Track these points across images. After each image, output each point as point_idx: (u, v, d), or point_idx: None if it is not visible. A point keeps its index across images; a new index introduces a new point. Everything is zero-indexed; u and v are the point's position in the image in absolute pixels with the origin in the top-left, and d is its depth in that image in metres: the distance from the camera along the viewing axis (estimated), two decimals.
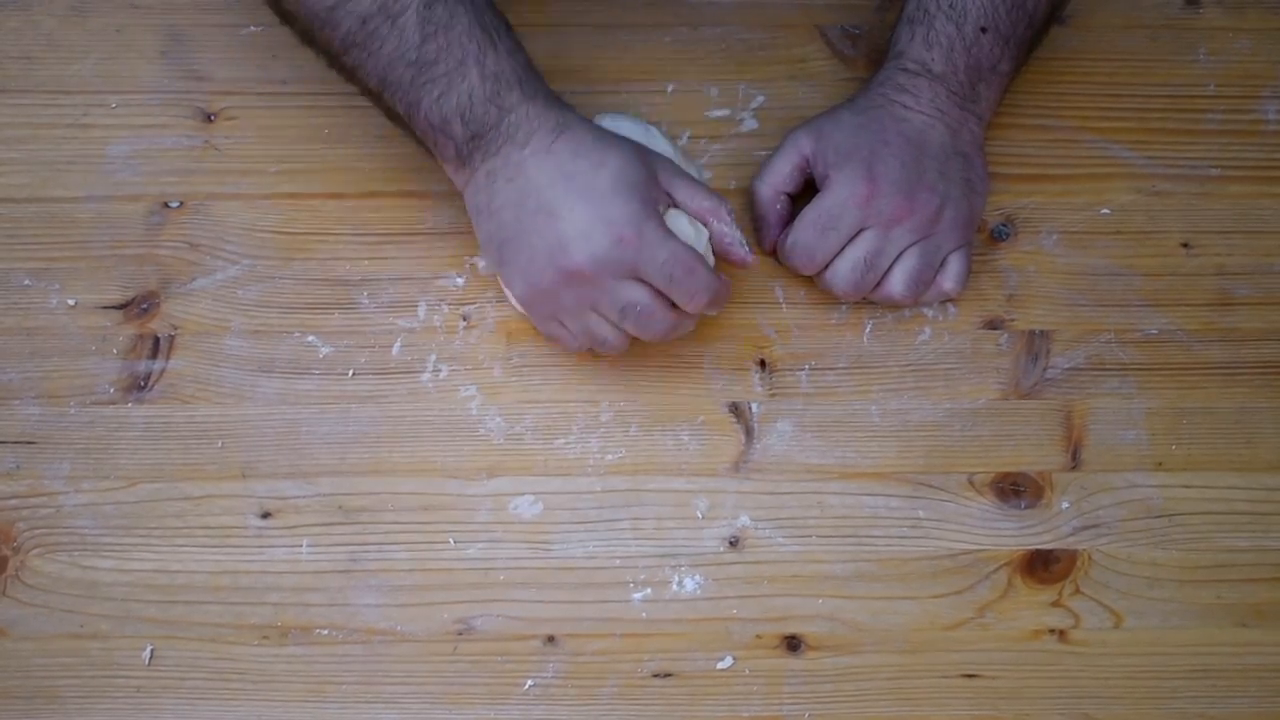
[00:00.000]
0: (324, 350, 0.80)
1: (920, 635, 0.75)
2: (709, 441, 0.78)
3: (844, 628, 0.75)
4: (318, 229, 0.83)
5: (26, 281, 0.81)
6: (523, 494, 0.77)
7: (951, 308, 0.82)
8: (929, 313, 0.82)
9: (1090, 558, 0.76)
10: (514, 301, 0.78)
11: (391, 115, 0.76)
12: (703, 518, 0.77)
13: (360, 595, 0.75)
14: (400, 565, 0.75)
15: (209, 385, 0.79)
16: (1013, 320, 0.82)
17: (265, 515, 0.76)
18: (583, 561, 0.76)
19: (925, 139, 0.79)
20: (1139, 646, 0.75)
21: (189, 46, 0.88)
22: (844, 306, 0.82)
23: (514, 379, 0.80)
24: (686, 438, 0.78)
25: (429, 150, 0.76)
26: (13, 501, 0.76)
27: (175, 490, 0.77)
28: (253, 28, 0.88)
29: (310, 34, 0.74)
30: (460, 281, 0.82)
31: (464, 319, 0.81)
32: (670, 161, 0.77)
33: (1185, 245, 0.84)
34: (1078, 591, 0.76)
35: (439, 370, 0.80)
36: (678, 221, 0.75)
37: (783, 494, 0.77)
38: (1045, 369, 0.81)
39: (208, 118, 0.86)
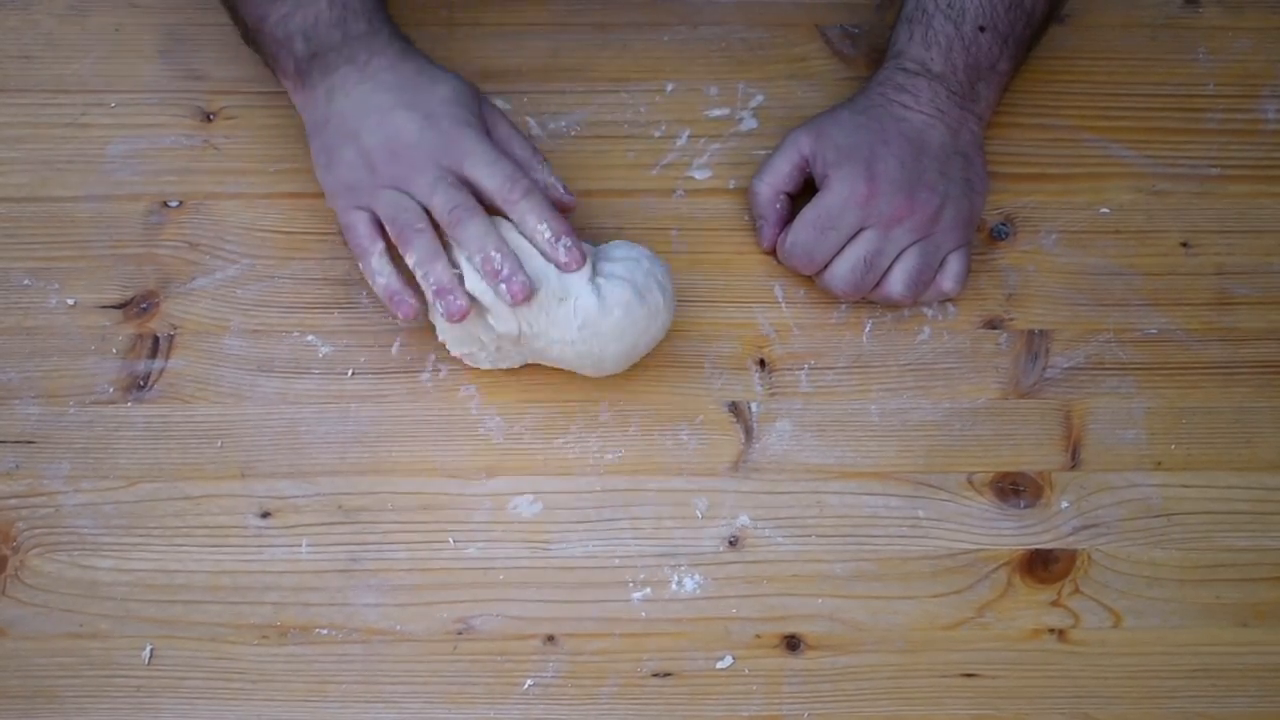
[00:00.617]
0: (323, 350, 0.80)
1: (920, 635, 0.75)
2: (708, 441, 0.78)
3: (843, 627, 0.75)
4: (317, 229, 0.83)
5: (26, 281, 0.81)
6: (522, 493, 0.77)
7: (951, 307, 0.82)
8: (929, 312, 0.82)
9: (1090, 557, 0.76)
10: (441, 334, 0.77)
11: (243, 31, 0.80)
12: (702, 517, 0.77)
13: (360, 595, 0.75)
14: (400, 565, 0.75)
15: (208, 385, 0.79)
16: (1012, 320, 0.82)
17: (265, 515, 0.76)
18: (582, 561, 0.76)
19: (925, 138, 0.79)
20: (1138, 646, 0.75)
21: (188, 46, 0.88)
22: (843, 306, 0.82)
23: (513, 379, 0.79)
24: (686, 437, 0.78)
25: (267, 64, 0.80)
26: (12, 501, 0.76)
27: (175, 490, 0.77)
28: None
29: None
30: None
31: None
32: (498, 108, 0.80)
33: (1185, 245, 0.84)
34: (1077, 591, 0.76)
35: (438, 370, 0.80)
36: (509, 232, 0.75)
37: (782, 493, 0.77)
38: (1045, 368, 0.81)
39: (207, 117, 0.86)
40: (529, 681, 0.74)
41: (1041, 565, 0.76)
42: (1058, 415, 0.80)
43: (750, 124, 0.87)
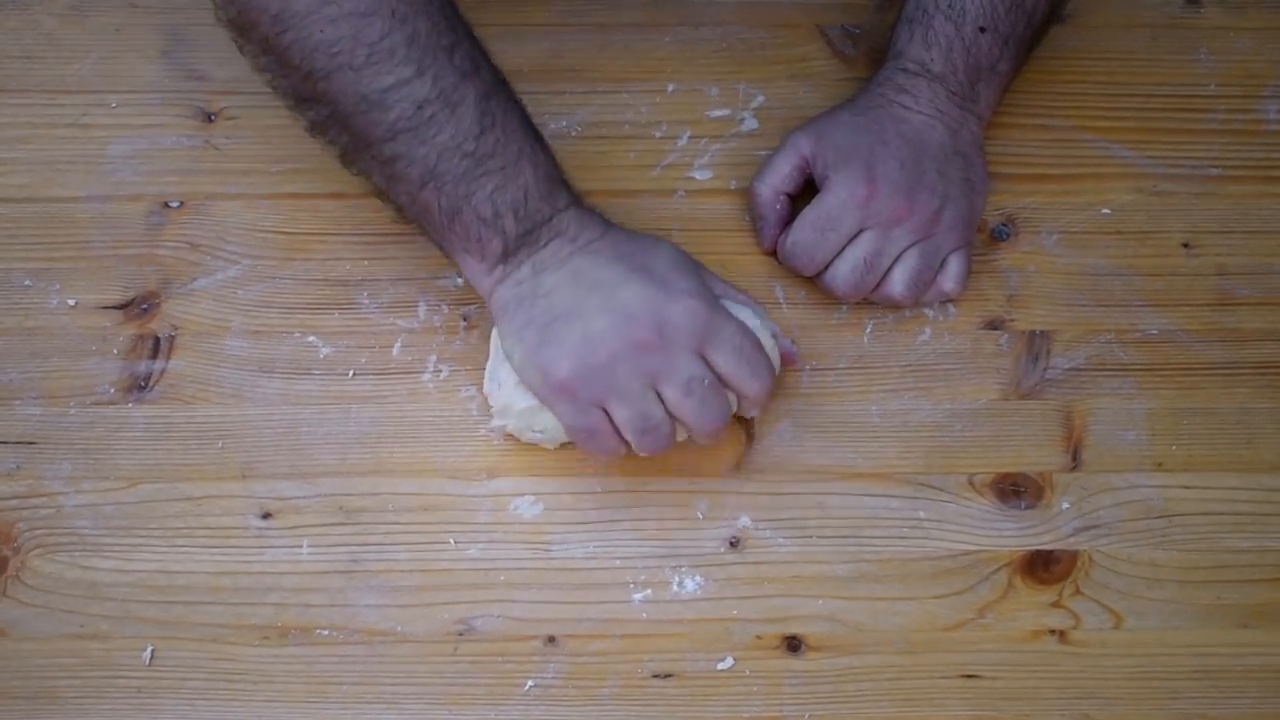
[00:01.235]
0: (324, 350, 0.80)
1: (920, 636, 0.75)
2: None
3: (844, 628, 0.75)
4: (318, 229, 0.83)
5: (27, 281, 0.81)
6: (523, 494, 0.77)
7: (952, 308, 0.82)
8: (929, 313, 0.82)
9: (1090, 558, 0.76)
10: (501, 416, 0.75)
11: (416, 209, 0.72)
12: (703, 518, 0.77)
13: (361, 596, 0.75)
14: (401, 566, 0.75)
15: (209, 385, 0.79)
16: (1013, 320, 0.82)
17: (265, 516, 0.76)
18: (583, 562, 0.76)
19: (925, 139, 0.79)
20: (1139, 647, 0.75)
21: (189, 46, 0.88)
22: (844, 307, 0.82)
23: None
24: (686, 438, 0.78)
25: (459, 246, 0.72)
26: (13, 502, 0.76)
27: (175, 491, 0.77)
28: None
29: (345, 119, 0.69)
30: (460, 281, 0.81)
31: (464, 319, 0.81)
32: (713, 275, 0.76)
33: (1186, 245, 0.84)
34: (1078, 592, 0.76)
35: (439, 370, 0.80)
36: (741, 310, 0.74)
37: (783, 494, 0.77)
38: (1045, 369, 0.81)
39: (208, 117, 0.86)
40: (530, 682, 0.74)
41: (1042, 566, 0.76)
42: (1058, 416, 0.80)
43: (751, 124, 0.87)
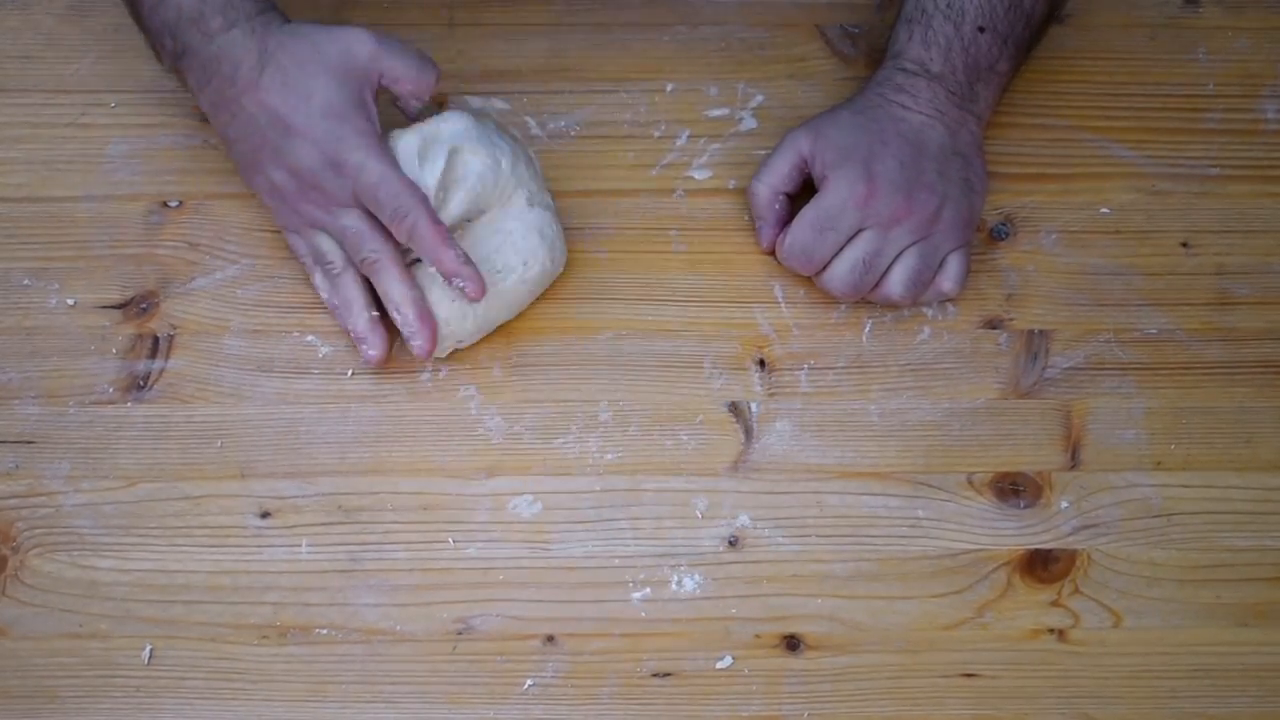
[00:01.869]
0: (323, 350, 0.80)
1: (920, 635, 0.75)
2: (708, 441, 0.78)
3: (843, 627, 0.75)
4: None
5: (26, 281, 0.81)
6: (522, 494, 0.77)
7: (951, 307, 0.82)
8: (928, 312, 0.82)
9: (1089, 557, 0.76)
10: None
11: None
12: (702, 517, 0.77)
13: (360, 595, 0.75)
14: (400, 565, 0.75)
15: (208, 385, 0.79)
16: (1012, 320, 0.82)
17: (264, 515, 0.76)
18: (582, 561, 0.76)
19: (923, 139, 0.79)
20: (1138, 646, 0.75)
21: None
22: (843, 306, 0.82)
23: (513, 379, 0.80)
24: (685, 437, 0.78)
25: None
26: (12, 501, 0.76)
27: (174, 490, 0.77)
28: None
29: None
30: None
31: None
32: (370, 38, 0.76)
33: (1185, 245, 0.84)
34: (1077, 591, 0.76)
35: (438, 370, 0.80)
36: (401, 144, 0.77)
37: (782, 493, 0.77)
38: (1044, 368, 0.81)
39: (207, 117, 0.86)
40: (529, 681, 0.74)
41: (1041, 565, 0.76)
42: (1057, 415, 0.80)
43: (750, 124, 0.87)
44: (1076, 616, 0.75)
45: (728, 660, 0.74)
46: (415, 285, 0.76)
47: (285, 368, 0.79)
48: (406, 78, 0.77)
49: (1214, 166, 0.86)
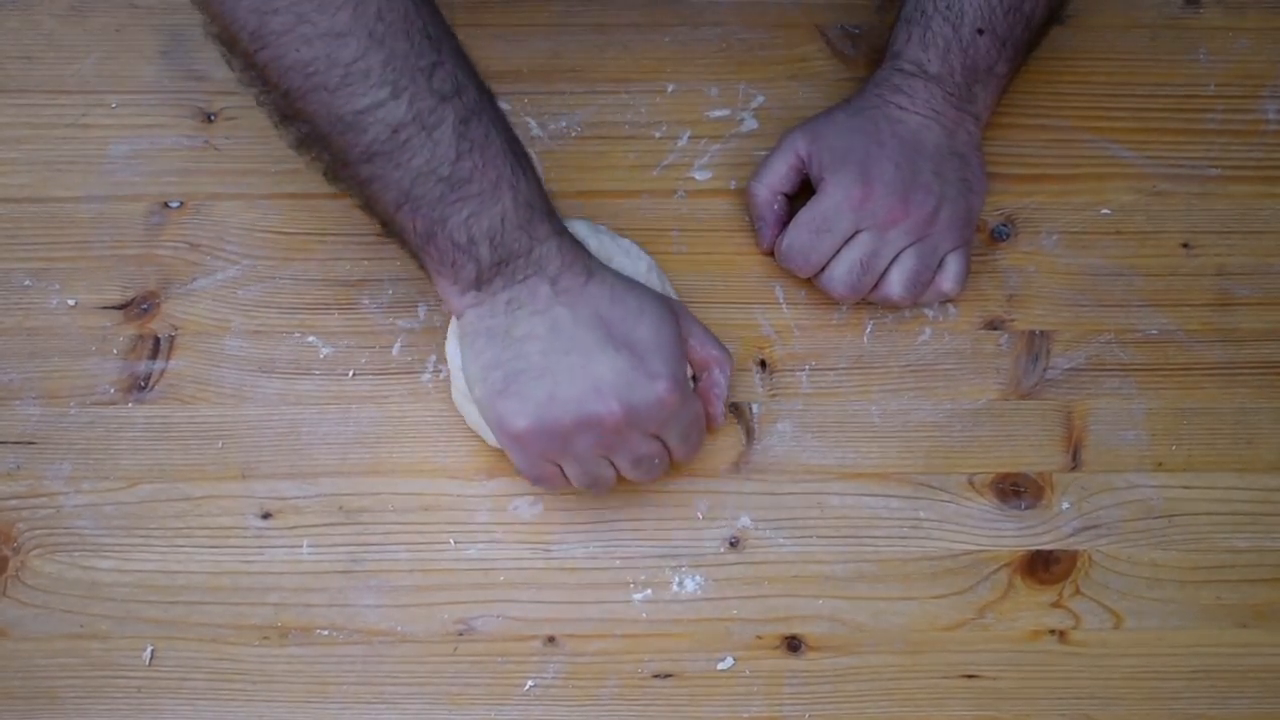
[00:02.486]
0: (324, 350, 0.80)
1: (920, 636, 0.75)
2: (709, 441, 0.78)
3: (844, 628, 0.75)
4: (318, 229, 0.83)
5: (26, 281, 0.81)
6: (523, 494, 0.77)
7: (951, 308, 0.82)
8: (929, 313, 0.82)
9: (1090, 558, 0.77)
10: (475, 423, 0.76)
11: (393, 228, 0.71)
12: (703, 518, 0.77)
13: (360, 596, 0.75)
14: (400, 566, 0.75)
15: (209, 385, 0.79)
16: (1013, 320, 0.82)
17: (265, 516, 0.76)
18: (583, 562, 0.76)
19: (920, 140, 0.79)
20: (1139, 647, 0.75)
21: (189, 46, 0.88)
22: (844, 307, 0.82)
23: None
24: None
25: (433, 267, 0.71)
26: (13, 502, 0.76)
27: (175, 491, 0.77)
28: None
29: (324, 138, 0.68)
30: None
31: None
32: (684, 308, 0.76)
33: (1185, 245, 0.84)
34: (1078, 592, 0.76)
35: (439, 370, 0.80)
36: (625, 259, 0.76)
37: (783, 494, 0.77)
38: (1045, 369, 0.81)
39: (208, 117, 0.86)
40: (530, 682, 0.74)
41: (1042, 566, 0.76)
42: (1058, 416, 0.80)
43: (751, 125, 0.87)
44: (1077, 617, 0.75)
45: (729, 661, 0.74)
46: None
47: (286, 368, 0.79)
48: (714, 345, 0.75)
49: (1215, 167, 0.86)
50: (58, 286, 0.81)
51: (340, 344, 0.80)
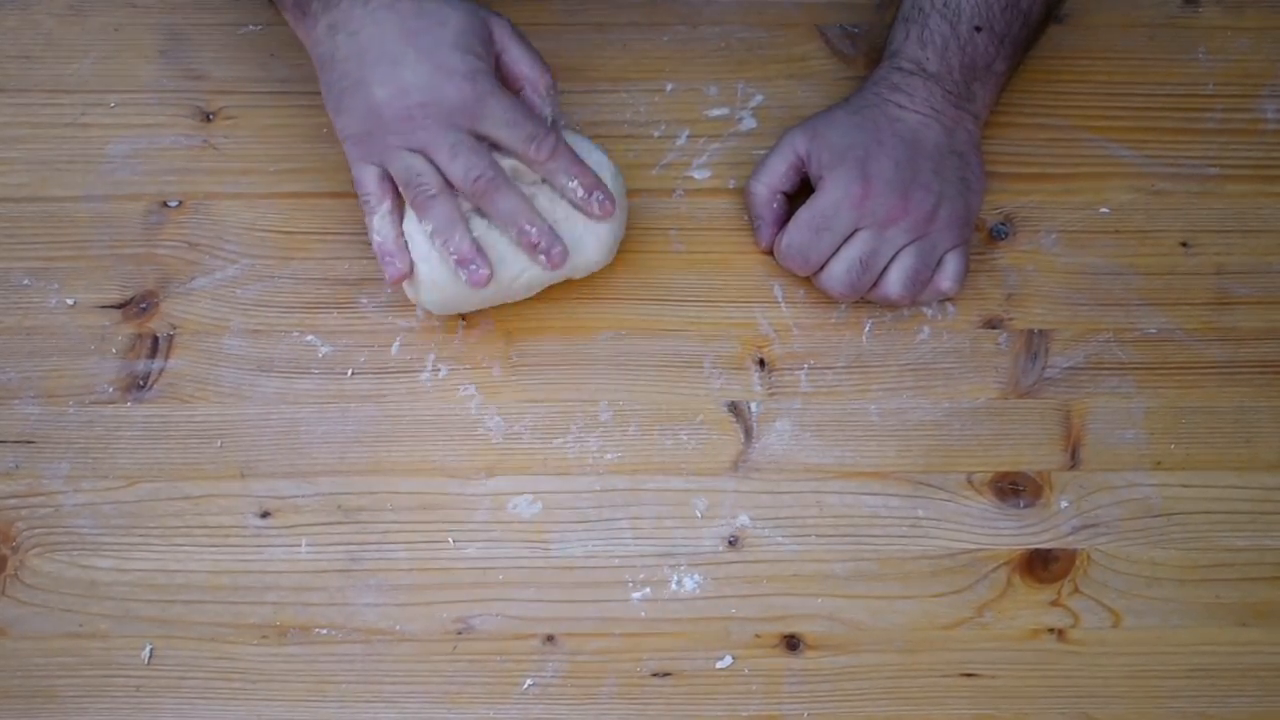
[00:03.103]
0: (323, 350, 0.80)
1: (919, 634, 0.75)
2: (708, 441, 0.78)
3: (843, 627, 0.75)
4: (317, 228, 0.83)
5: (25, 281, 0.81)
6: (522, 493, 0.77)
7: (950, 307, 0.82)
8: (928, 312, 0.82)
9: (1089, 557, 0.77)
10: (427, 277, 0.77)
11: None
12: (702, 517, 0.77)
13: (359, 595, 0.75)
14: (399, 565, 0.75)
15: (208, 385, 0.79)
16: (1012, 319, 0.82)
17: (264, 515, 0.76)
18: (582, 561, 0.76)
19: (920, 138, 0.79)
20: (1138, 646, 0.75)
21: (188, 45, 0.88)
22: (843, 306, 0.82)
23: (513, 378, 0.80)
24: (685, 437, 0.78)
25: (279, 5, 0.78)
26: (12, 501, 0.76)
27: (174, 490, 0.77)
28: (251, 27, 0.88)
29: None
30: None
31: (463, 318, 0.81)
32: (510, 26, 0.78)
33: (1184, 245, 0.84)
34: (1077, 591, 0.76)
35: (438, 370, 0.80)
36: (578, 141, 0.78)
37: (782, 493, 0.77)
38: (1044, 368, 0.81)
39: (206, 117, 0.86)
40: (528, 681, 0.74)
41: (1041, 565, 0.76)
42: (1057, 415, 0.80)
43: (750, 124, 0.87)
44: (1076, 616, 0.75)
45: (727, 660, 0.74)
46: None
47: (285, 367, 0.79)
48: (527, 63, 0.77)
49: (1214, 166, 0.86)
50: (56, 286, 0.81)
51: (339, 343, 0.80)
